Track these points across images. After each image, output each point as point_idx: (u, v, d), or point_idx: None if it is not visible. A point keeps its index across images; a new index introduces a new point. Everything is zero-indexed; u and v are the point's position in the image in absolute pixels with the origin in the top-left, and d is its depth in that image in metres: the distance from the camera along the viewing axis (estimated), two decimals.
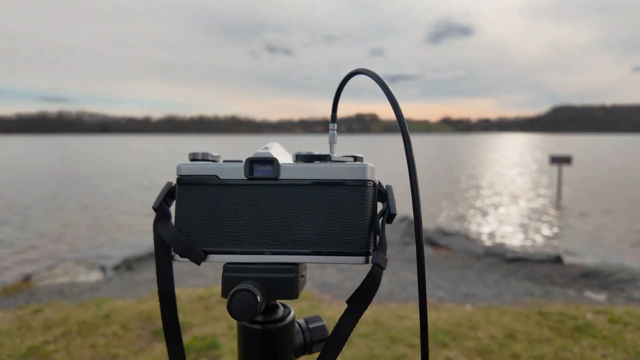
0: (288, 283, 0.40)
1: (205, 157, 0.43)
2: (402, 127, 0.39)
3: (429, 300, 4.11)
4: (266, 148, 0.43)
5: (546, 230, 9.13)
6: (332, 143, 0.48)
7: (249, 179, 0.41)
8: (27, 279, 5.21)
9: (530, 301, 4.21)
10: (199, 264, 0.41)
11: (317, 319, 0.47)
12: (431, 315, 3.59)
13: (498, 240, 8.01)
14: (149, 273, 5.46)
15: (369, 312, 3.65)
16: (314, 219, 0.40)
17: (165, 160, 39.50)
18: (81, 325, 3.36)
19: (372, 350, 3.03)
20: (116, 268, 6.47)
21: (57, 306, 3.81)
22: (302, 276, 0.43)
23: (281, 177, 0.41)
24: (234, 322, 3.40)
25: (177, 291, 4.20)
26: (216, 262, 0.42)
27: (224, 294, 0.40)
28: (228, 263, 0.41)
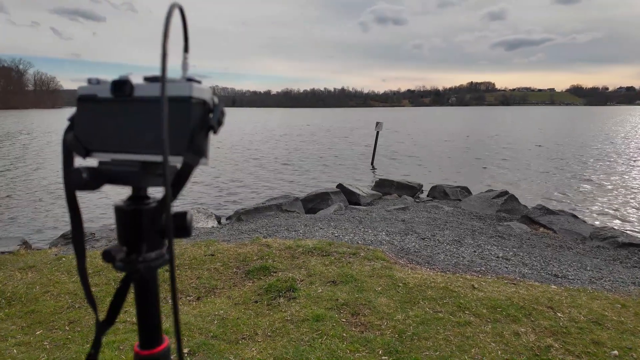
0: (131, 174, 0.52)
1: (96, 82, 0.56)
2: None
3: (510, 277, 3.95)
4: (130, 73, 0.55)
5: None
6: (184, 69, 0.55)
7: (114, 96, 0.52)
8: None
9: (635, 290, 3.75)
10: (84, 158, 0.55)
11: (180, 213, 0.55)
12: (507, 290, 3.48)
13: (613, 223, 6.99)
14: (253, 224, 6.22)
15: (441, 279, 3.69)
16: (154, 127, 0.50)
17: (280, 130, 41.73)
18: (192, 260, 4.11)
19: (437, 313, 3.12)
20: (229, 218, 7.49)
21: (177, 244, 4.67)
22: (152, 173, 0.54)
23: (134, 94, 0.51)
24: (313, 271, 3.80)
25: (270, 240, 4.79)
26: (97, 158, 0.55)
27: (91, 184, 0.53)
28: (101, 161, 0.54)
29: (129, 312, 2.96)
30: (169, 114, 0.46)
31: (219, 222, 7.20)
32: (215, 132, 0.53)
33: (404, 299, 3.28)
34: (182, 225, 0.54)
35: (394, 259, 4.25)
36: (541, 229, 5.78)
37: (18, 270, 3.81)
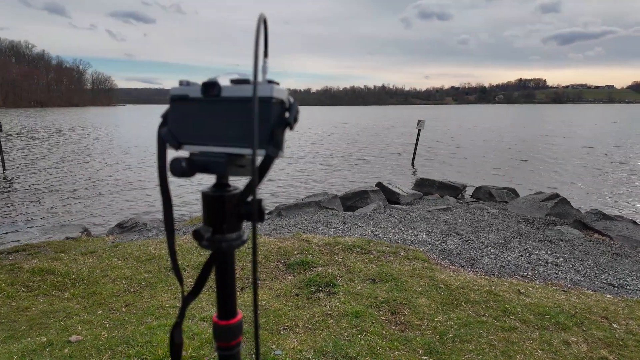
0: (219, 165, 0.59)
1: (187, 83, 0.64)
2: None
3: (560, 283, 3.77)
4: (217, 76, 0.62)
5: None
6: (264, 72, 0.60)
7: (204, 96, 0.60)
8: None
9: None
10: (176, 149, 0.62)
11: (257, 200, 0.59)
12: (556, 297, 3.33)
13: None
14: (293, 220, 6.34)
15: (485, 283, 3.60)
16: (238, 123, 0.58)
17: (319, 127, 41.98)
18: (236, 252, 4.27)
19: (480, 317, 3.04)
20: (269, 213, 7.68)
21: None
22: (237, 165, 0.61)
23: (222, 95, 0.58)
24: (353, 268, 3.84)
25: (310, 236, 4.87)
26: (188, 150, 0.63)
27: (189, 172, 0.61)
28: (191, 152, 0.63)
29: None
30: (251, 112, 0.53)
31: None
32: (291, 128, 0.58)
33: (445, 300, 3.23)
34: (259, 210, 0.60)
35: (435, 260, 4.18)
36: (596, 235, 5.45)
37: (81, 255, 4.13)
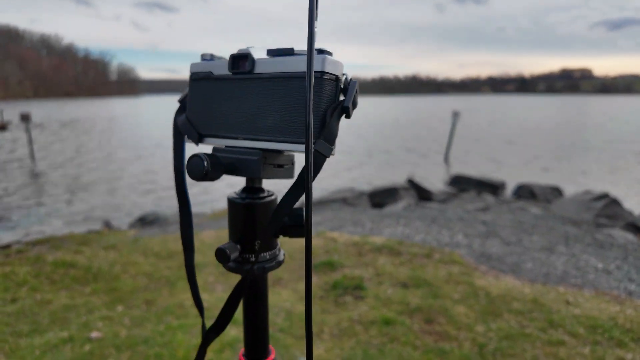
0: (251, 164, 0.46)
1: (211, 58, 0.50)
2: None
3: (612, 293, 3.39)
4: (251, 47, 0.46)
5: None
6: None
7: (232, 73, 0.46)
8: None
9: None
10: (197, 144, 0.50)
11: (298, 210, 0.50)
12: (609, 309, 2.99)
13: None
14: (318, 216, 6.16)
15: (529, 290, 3.28)
16: (277, 109, 0.43)
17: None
18: None
19: (524, 328, 2.76)
20: None
21: None
22: (278, 166, 0.47)
23: (255, 71, 0.45)
24: (382, 270, 3.60)
25: (336, 235, 4.66)
26: (209, 144, 0.50)
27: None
28: (215, 147, 0.49)
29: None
30: (297, 94, 0.40)
31: None
32: (348, 115, 0.42)
33: (485, 309, 2.95)
34: (299, 224, 0.48)
35: (473, 264, 3.88)
36: None
37: (102, 249, 4.11)
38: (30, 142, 14.83)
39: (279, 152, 0.47)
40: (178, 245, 4.15)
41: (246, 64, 0.45)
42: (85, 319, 2.81)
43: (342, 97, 0.43)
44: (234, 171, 0.47)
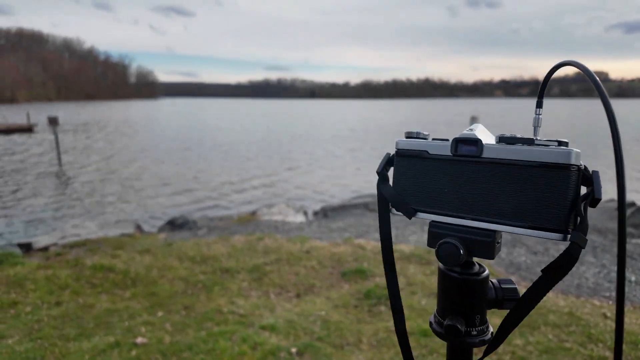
0: (486, 246, 0.47)
1: (417, 135, 0.53)
2: (612, 125, 0.41)
3: None
4: (471, 130, 0.50)
5: None
6: (536, 127, 0.51)
7: (454, 155, 0.49)
8: (253, 213, 6.69)
9: None
10: (410, 218, 0.52)
11: (509, 281, 0.53)
12: None
13: None
14: (341, 222, 6.18)
15: (564, 303, 3.27)
16: (514, 194, 0.45)
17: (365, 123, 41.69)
18: (289, 255, 4.17)
19: (563, 342, 2.75)
20: (315, 214, 7.58)
21: (274, 237, 4.79)
22: (497, 242, 0.49)
23: (484, 155, 0.47)
24: (413, 280, 3.61)
25: (363, 242, 4.69)
26: (423, 219, 0.53)
27: (430, 244, 0.51)
28: (433, 221, 0.51)
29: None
30: (542, 184, 0.43)
31: (307, 217, 7.30)
32: (593, 205, 0.44)
33: (522, 322, 2.95)
34: (514, 298, 0.51)
35: (503, 274, 3.88)
36: None
37: (137, 253, 4.19)
38: (57, 145, 15.09)
39: (496, 232, 0.49)
40: (211, 250, 4.22)
41: (475, 148, 0.48)
42: (128, 323, 2.87)
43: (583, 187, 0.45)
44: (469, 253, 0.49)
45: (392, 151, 0.55)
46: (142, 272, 3.68)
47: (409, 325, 2.88)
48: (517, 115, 59.01)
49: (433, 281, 3.57)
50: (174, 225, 6.02)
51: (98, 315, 2.99)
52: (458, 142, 0.49)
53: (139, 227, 5.90)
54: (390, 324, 2.91)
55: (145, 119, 39.50)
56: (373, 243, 4.65)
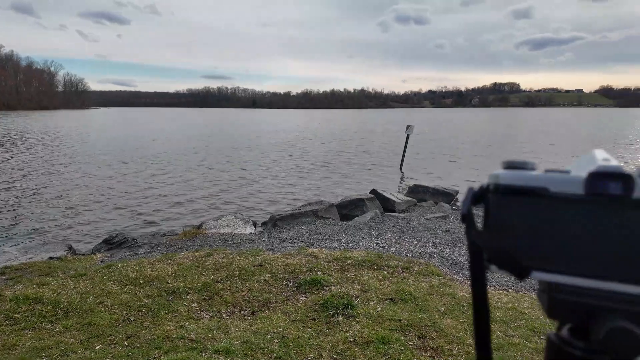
0: (635, 316, 0.35)
1: (524, 166, 0.40)
2: None
3: None
4: (607, 160, 0.38)
5: None
6: None
7: (588, 194, 0.36)
8: (199, 227, 6.37)
9: None
10: (520, 279, 0.39)
11: None
12: None
13: None
14: (292, 232, 6.09)
15: (506, 299, 3.47)
16: None
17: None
18: (241, 270, 4.00)
19: (510, 338, 2.91)
20: (264, 224, 7.39)
21: (223, 252, 4.58)
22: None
23: (636, 195, 0.35)
24: (368, 286, 3.63)
25: (316, 251, 4.64)
26: (540, 280, 0.39)
27: (553, 314, 0.39)
28: (560, 283, 0.38)
29: None
30: None
31: (256, 228, 7.11)
32: None
33: (471, 320, 3.07)
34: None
35: (449, 274, 4.04)
36: None
37: (70, 279, 3.78)
38: None
39: None
40: (155, 271, 3.92)
41: (620, 185, 0.36)
42: None
43: None
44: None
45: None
46: (76, 300, 3.32)
47: (367, 332, 2.88)
48: (442, 122, 62.97)
49: (386, 287, 3.61)
50: (110, 244, 5.54)
51: (21, 357, 2.62)
52: (595, 177, 0.36)
53: (70, 249, 5.35)
54: (349, 333, 2.89)
55: (73, 130, 36.40)
56: (325, 251, 4.63)
